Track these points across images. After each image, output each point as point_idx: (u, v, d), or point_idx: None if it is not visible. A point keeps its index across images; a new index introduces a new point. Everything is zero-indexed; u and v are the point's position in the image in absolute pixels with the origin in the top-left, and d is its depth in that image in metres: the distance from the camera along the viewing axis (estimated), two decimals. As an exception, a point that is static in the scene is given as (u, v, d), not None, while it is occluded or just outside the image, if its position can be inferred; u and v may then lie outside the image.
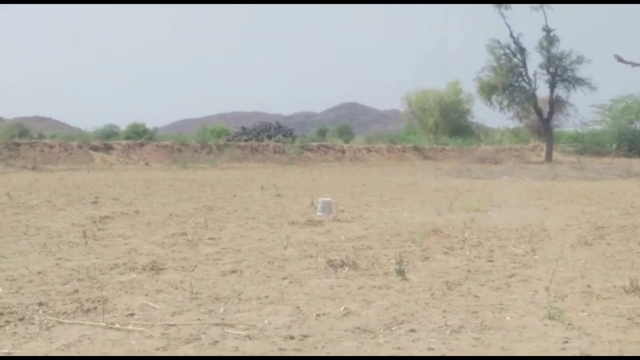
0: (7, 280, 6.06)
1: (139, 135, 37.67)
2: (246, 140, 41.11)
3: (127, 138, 36.67)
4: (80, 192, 16.22)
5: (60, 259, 7.18)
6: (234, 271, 6.52)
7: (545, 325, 4.60)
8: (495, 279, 6.18)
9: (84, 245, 8.09)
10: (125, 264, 6.87)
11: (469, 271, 6.55)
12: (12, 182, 19.52)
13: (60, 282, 6.00)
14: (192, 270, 6.62)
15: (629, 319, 4.78)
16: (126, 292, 5.66)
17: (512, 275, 6.34)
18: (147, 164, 32.01)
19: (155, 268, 6.64)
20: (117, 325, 4.62)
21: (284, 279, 6.19)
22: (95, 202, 13.48)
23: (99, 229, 9.52)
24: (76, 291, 5.63)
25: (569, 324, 4.60)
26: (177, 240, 8.62)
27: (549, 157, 42.28)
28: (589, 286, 5.84)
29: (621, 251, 7.83)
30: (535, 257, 7.46)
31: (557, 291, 5.61)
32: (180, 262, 7.01)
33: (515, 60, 43.26)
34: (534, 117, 47.60)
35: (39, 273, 6.36)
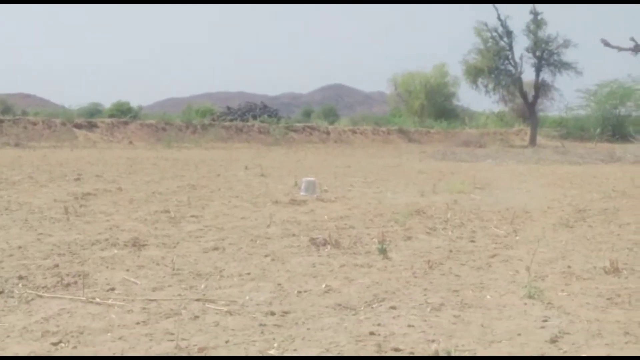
0: (-13, 254, 6.01)
1: (124, 113, 37.39)
2: (231, 120, 40.92)
3: (112, 116, 36.35)
4: (63, 169, 16.10)
5: (41, 234, 7.14)
6: (216, 248, 6.51)
7: (525, 304, 4.63)
8: (477, 259, 6.21)
9: (66, 221, 8.05)
10: (106, 239, 6.85)
11: (450, 251, 6.59)
12: (-6, 159, 19.35)
13: (40, 256, 5.96)
14: (174, 247, 6.61)
15: (608, 299, 4.82)
16: (107, 267, 5.64)
17: (493, 256, 6.38)
18: (131, 142, 31.83)
19: (137, 244, 6.61)
20: (97, 300, 4.60)
21: (266, 256, 6.19)
22: (77, 179, 13.39)
23: (81, 206, 9.47)
24: (56, 266, 5.60)
25: (549, 303, 4.64)
26: (160, 217, 8.59)
27: (532, 141, 42.43)
28: (569, 267, 5.88)
29: (602, 233, 7.90)
30: (517, 238, 7.51)
31: (538, 271, 5.65)
32: (162, 239, 6.99)
33: (502, 43, 43.25)
34: (519, 100, 47.68)
35: (20, 247, 6.32)
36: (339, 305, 4.57)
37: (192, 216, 8.75)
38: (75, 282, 5.04)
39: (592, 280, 5.43)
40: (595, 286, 5.20)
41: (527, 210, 9.92)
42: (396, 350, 3.67)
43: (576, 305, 4.62)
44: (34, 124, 31.22)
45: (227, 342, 3.77)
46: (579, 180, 15.65)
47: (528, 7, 42.22)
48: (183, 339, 3.77)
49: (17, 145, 27.18)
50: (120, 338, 3.82)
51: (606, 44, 21.30)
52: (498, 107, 55.26)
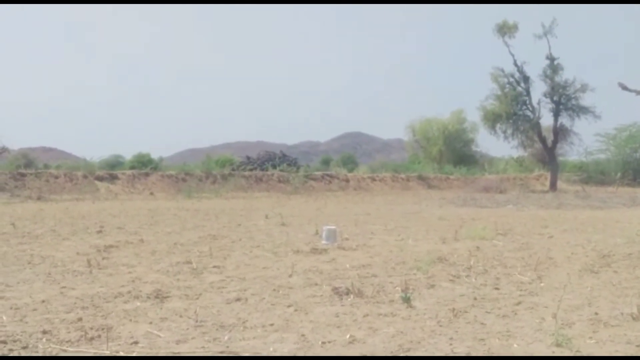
0: (11, 308, 6.03)
1: (144, 165, 37.75)
2: (251, 170, 41.18)
3: (132, 168, 36.72)
4: (85, 221, 16.22)
5: (64, 287, 7.16)
6: (238, 299, 6.49)
7: (553, 352, 4.56)
8: (502, 307, 6.13)
9: (89, 274, 8.08)
10: (129, 292, 6.85)
11: (475, 299, 6.51)
12: (17, 212, 19.53)
13: (64, 310, 5.97)
14: (197, 298, 6.59)
15: (637, 345, 4.74)
16: (130, 320, 5.63)
17: (518, 303, 6.30)
18: (152, 193, 32.04)
19: (160, 296, 6.61)
20: (121, 353, 4.59)
21: (289, 306, 6.16)
22: (100, 232, 13.48)
23: (103, 258, 9.51)
24: (80, 319, 5.60)
25: (577, 351, 4.56)
26: (182, 268, 8.59)
27: (553, 186, 42.23)
28: (596, 313, 5.80)
29: (627, 279, 7.79)
30: (542, 284, 7.41)
31: (564, 319, 5.57)
32: (185, 290, 6.98)
33: (519, 88, 43.40)
34: (538, 145, 47.62)
35: (43, 302, 6.34)
36: (364, 356, 4.52)
37: (214, 267, 8.75)
38: (99, 336, 5.03)
39: (620, 326, 5.34)
40: (624, 333, 5.12)
41: (551, 256, 9.83)
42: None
43: (605, 353, 4.54)
44: (56, 177, 31.58)
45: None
46: (601, 225, 15.50)
47: (544, 51, 42.42)
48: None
49: (39, 198, 27.43)
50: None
51: (624, 87, 21.34)
52: (517, 153, 55.20)
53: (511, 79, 43.26)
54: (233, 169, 40.77)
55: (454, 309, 5.90)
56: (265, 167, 42.59)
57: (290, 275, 7.97)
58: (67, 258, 9.56)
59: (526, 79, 43.07)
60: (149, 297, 6.57)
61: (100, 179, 32.55)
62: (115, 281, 7.59)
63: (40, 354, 4.58)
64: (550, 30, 41.68)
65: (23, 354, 4.57)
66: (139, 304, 6.29)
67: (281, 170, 40.48)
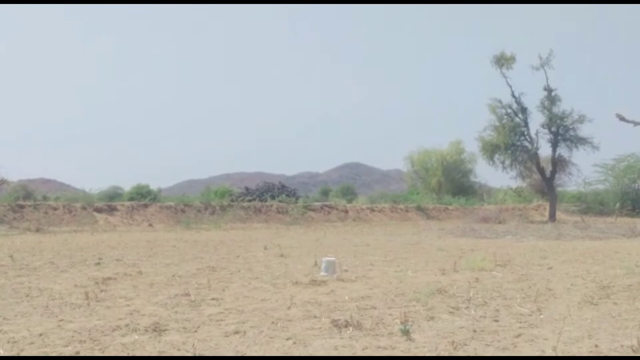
0: (9, 342, 6.00)
1: (143, 196, 37.77)
2: (249, 201, 41.19)
3: (131, 199, 36.73)
4: (83, 253, 16.18)
5: (62, 320, 7.13)
6: (237, 332, 6.46)
7: (553, 385, 4.53)
8: (502, 339, 6.11)
9: (86, 307, 8.04)
10: (127, 325, 6.82)
11: (474, 331, 6.49)
12: (16, 244, 19.50)
13: (61, 344, 5.94)
14: (195, 331, 6.56)
15: (638, 379, 4.71)
16: (128, 353, 5.60)
17: (518, 335, 6.27)
18: (150, 225, 32.00)
19: (158, 329, 6.58)
20: (119, 388, 4.56)
21: (287, 339, 6.13)
22: (98, 264, 13.45)
23: (101, 290, 9.48)
24: (77, 353, 5.58)
25: (578, 385, 4.53)
26: (180, 300, 8.56)
27: (552, 217, 42.20)
28: (596, 346, 5.77)
29: (627, 310, 7.76)
30: (542, 316, 7.39)
31: (565, 351, 5.54)
32: (183, 323, 6.95)
33: (517, 119, 43.50)
34: (536, 176, 47.63)
35: (41, 335, 6.31)
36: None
37: (213, 299, 8.72)
38: (97, 370, 5.00)
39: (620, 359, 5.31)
40: (625, 366, 5.09)
41: (550, 287, 9.80)
42: None
43: (606, 387, 4.51)
44: (55, 208, 31.57)
45: None
46: (601, 256, 15.48)
47: (542, 82, 42.66)
48: None
49: (38, 230, 27.40)
50: None
51: (621, 118, 21.42)
52: (516, 183, 55.14)
53: (509, 110, 43.39)
54: (232, 200, 40.79)
55: (453, 342, 5.88)
56: (264, 198, 42.60)
57: (289, 308, 7.95)
58: (65, 290, 9.53)
59: (524, 110, 43.22)
60: (146, 330, 6.54)
61: (99, 210, 32.54)
62: (113, 314, 7.56)
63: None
64: (547, 61, 41.96)
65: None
66: (136, 337, 6.26)
67: (280, 201, 40.49)
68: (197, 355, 4.63)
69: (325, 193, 58.37)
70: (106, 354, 5.54)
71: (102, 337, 6.26)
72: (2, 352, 5.59)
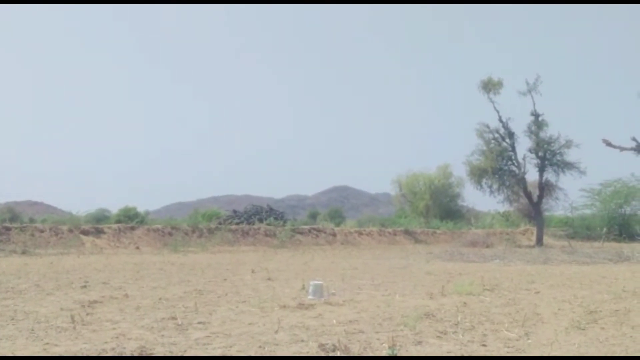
0: (-7, 366, 5.94)
1: (130, 219, 37.56)
2: (237, 224, 41.07)
3: (118, 222, 36.52)
4: (69, 276, 16.06)
5: (47, 344, 7.07)
6: (223, 356, 6.42)
7: (541, 411, 4.53)
8: (489, 364, 6.10)
9: (72, 330, 7.98)
10: (113, 349, 6.77)
11: (462, 356, 6.48)
12: (2, 267, 19.32)
13: (46, 367, 5.89)
14: (182, 355, 6.52)
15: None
16: (114, 377, 5.56)
17: (506, 360, 6.27)
18: (137, 247, 31.82)
19: (144, 353, 6.54)
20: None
21: (275, 364, 6.10)
22: (84, 287, 13.36)
23: (87, 314, 9.41)
24: (63, 377, 5.52)
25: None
26: (167, 324, 8.51)
27: (539, 241, 42.29)
28: (583, 371, 5.78)
29: (615, 335, 7.79)
30: (529, 341, 7.40)
31: (552, 376, 5.54)
32: (170, 347, 6.91)
33: (504, 144, 43.71)
34: (524, 200, 47.81)
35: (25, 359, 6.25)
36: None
37: (199, 322, 8.68)
38: (82, 394, 4.96)
39: (608, 384, 5.32)
40: (612, 391, 5.10)
41: (538, 312, 9.82)
42: None
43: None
44: (41, 231, 31.35)
45: None
46: (588, 281, 15.53)
47: (529, 107, 42.95)
48: None
49: (24, 252, 27.17)
50: None
51: (608, 144, 21.63)
52: (503, 207, 55.21)
53: (496, 135, 43.60)
54: (220, 223, 40.65)
55: (441, 366, 5.87)
56: (252, 221, 42.51)
57: (276, 332, 7.92)
58: (51, 314, 9.45)
59: (511, 134, 43.44)
60: (132, 354, 6.49)
61: (85, 233, 32.33)
62: (99, 337, 7.51)
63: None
64: (534, 87, 42.30)
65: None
66: (123, 361, 6.21)
67: (268, 224, 40.41)
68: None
69: (313, 216, 58.34)
70: (92, 378, 5.50)
71: (88, 361, 6.21)
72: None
